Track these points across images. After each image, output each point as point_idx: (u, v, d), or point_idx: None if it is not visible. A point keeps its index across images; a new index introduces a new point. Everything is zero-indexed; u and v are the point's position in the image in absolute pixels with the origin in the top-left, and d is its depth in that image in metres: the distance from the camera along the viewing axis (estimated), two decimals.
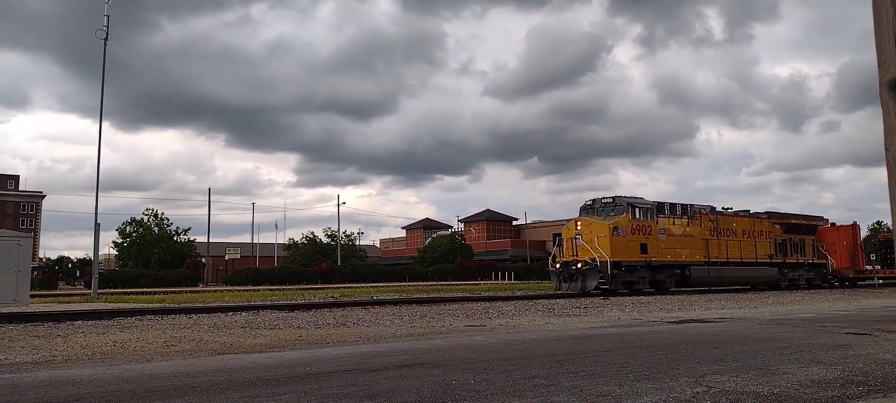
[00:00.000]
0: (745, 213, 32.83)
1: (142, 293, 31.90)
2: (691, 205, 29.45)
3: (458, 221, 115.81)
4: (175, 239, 71.51)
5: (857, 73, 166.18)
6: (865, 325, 11.43)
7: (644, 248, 26.51)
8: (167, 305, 17.91)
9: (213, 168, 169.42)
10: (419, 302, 20.37)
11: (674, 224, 28.22)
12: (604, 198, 27.25)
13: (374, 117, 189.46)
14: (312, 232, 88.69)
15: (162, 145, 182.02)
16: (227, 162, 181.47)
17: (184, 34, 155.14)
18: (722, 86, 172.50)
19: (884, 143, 1.71)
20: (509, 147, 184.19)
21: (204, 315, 15.01)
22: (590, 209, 27.49)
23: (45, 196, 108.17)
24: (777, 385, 5.63)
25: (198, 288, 46.67)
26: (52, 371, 6.86)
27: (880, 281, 37.58)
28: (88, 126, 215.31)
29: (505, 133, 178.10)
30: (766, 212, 34.10)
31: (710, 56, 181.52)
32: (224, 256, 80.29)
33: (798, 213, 36.19)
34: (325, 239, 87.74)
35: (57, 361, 7.65)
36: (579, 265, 25.30)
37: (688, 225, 28.87)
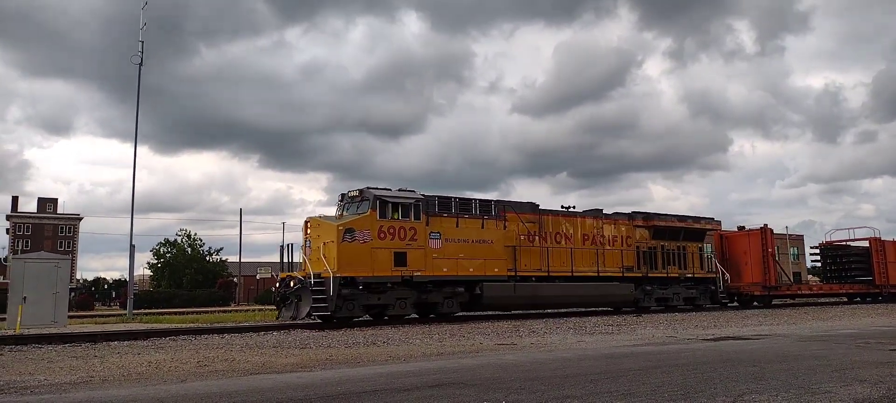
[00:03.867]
0: (595, 213, 24.98)
1: (175, 313, 32.38)
2: (495, 202, 21.69)
3: None
4: (207, 259, 72.63)
5: (893, 82, 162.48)
6: None
7: (401, 259, 18.81)
8: (200, 325, 18.14)
9: (246, 189, 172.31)
10: (449, 320, 20.31)
11: (457, 225, 20.25)
12: (351, 191, 19.81)
13: (404, 136, 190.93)
14: None
15: (198, 167, 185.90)
16: (260, 182, 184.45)
17: (220, 59, 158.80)
18: (754, 98, 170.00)
19: None
20: (538, 163, 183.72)
21: (236, 335, 15.16)
22: (341, 205, 20.20)
23: (82, 218, 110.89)
24: None
25: (229, 308, 47.21)
26: (89, 391, 6.98)
27: (781, 301, 31.46)
28: (128, 150, 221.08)
29: (534, 149, 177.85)
30: (631, 213, 26.13)
31: (742, 69, 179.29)
32: (255, 275, 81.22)
33: (677, 214, 27.75)
34: None
35: (94, 382, 7.79)
36: (291, 283, 18.16)
37: (482, 226, 20.87)
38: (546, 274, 22.06)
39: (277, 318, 18.96)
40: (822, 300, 35.01)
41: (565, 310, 24.16)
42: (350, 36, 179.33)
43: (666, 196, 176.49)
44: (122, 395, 6.58)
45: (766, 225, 30.55)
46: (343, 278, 17.76)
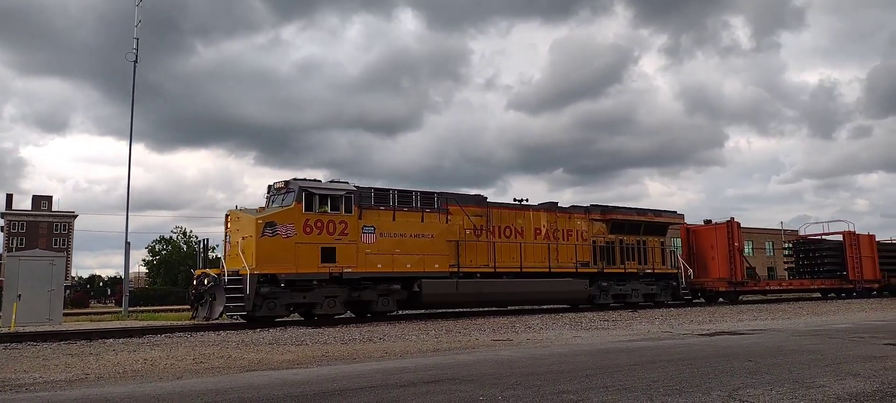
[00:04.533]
0: (549, 206, 23.72)
1: (171, 310, 32.32)
2: (437, 194, 20.46)
3: None
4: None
5: (888, 78, 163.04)
6: None
7: (330, 254, 17.69)
8: (196, 322, 18.11)
9: (242, 186, 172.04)
10: (445, 316, 20.32)
11: (394, 219, 19.11)
12: (277, 182, 18.67)
13: (401, 133, 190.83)
14: None
15: (194, 164, 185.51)
16: (256, 179, 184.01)
17: (217, 57, 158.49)
18: (750, 94, 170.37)
19: None
20: (535, 159, 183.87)
21: (232, 332, 15.14)
22: (268, 197, 19.00)
23: (77, 216, 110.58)
24: (813, 398, 5.49)
25: None
26: (85, 388, 6.97)
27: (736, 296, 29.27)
28: (123, 147, 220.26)
29: (530, 145, 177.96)
30: (589, 206, 24.86)
31: (738, 65, 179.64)
32: None
33: (637, 208, 26.63)
34: None
35: (90, 379, 7.77)
36: (206, 281, 16.97)
37: (422, 220, 19.71)
38: (492, 270, 21.01)
39: (192, 318, 17.70)
40: (789, 295, 34.12)
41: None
42: (346, 33, 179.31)
43: (662, 192, 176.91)
44: (118, 393, 6.57)
45: (732, 218, 29.31)
46: (262, 275, 16.65)
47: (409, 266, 19.20)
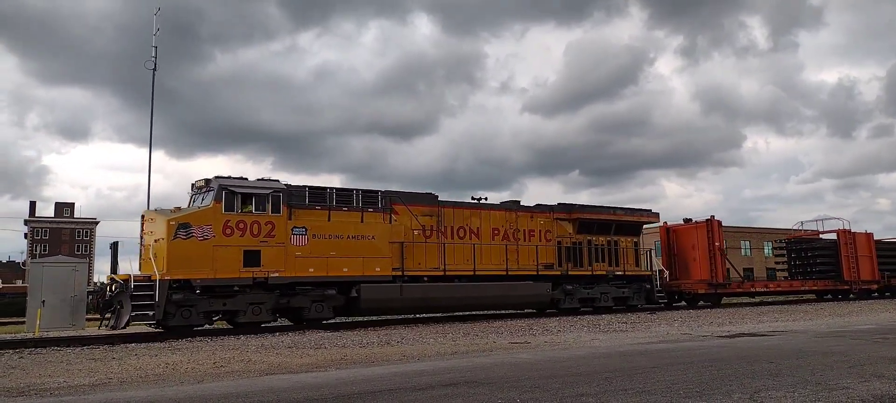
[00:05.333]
0: (510, 205, 22.35)
1: None
2: (382, 193, 19.07)
3: None
4: None
5: None
6: None
7: (254, 258, 16.41)
8: (216, 326, 18.28)
9: None
10: (463, 319, 20.30)
11: (329, 219, 17.70)
12: (198, 181, 17.31)
13: (416, 137, 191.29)
14: None
15: (212, 170, 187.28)
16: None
17: (234, 64, 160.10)
18: (767, 93, 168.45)
19: None
20: (550, 161, 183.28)
21: (252, 336, 15.24)
22: (190, 197, 17.61)
23: (98, 222, 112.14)
24: (836, 400, 5.42)
25: None
26: (107, 393, 7.06)
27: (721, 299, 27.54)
28: (143, 154, 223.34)
29: (545, 148, 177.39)
30: (556, 205, 23.41)
31: (755, 65, 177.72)
32: None
33: (609, 206, 25.05)
34: None
35: (112, 383, 7.88)
36: (113, 287, 15.66)
37: (362, 220, 18.24)
38: (442, 273, 19.54)
39: (100, 327, 16.19)
40: (777, 298, 32.41)
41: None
42: (362, 39, 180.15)
43: (679, 193, 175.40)
44: (140, 396, 6.65)
45: (712, 216, 27.48)
46: (174, 281, 15.32)
47: (346, 269, 17.79)
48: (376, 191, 18.95)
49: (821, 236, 34.65)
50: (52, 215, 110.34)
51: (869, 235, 33.97)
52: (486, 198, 21.73)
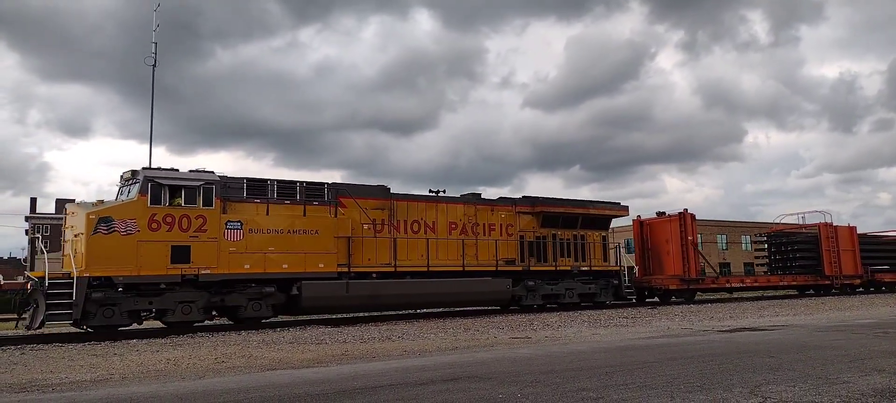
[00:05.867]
0: (469, 198, 21.43)
1: None
2: (329, 185, 18.28)
3: None
4: None
5: None
6: None
7: (183, 254, 15.58)
8: (217, 322, 18.32)
9: None
10: (463, 314, 20.33)
11: (268, 213, 16.89)
12: (126, 172, 16.35)
13: (417, 132, 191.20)
14: None
15: (214, 166, 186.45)
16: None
17: (234, 60, 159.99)
18: (768, 88, 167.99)
19: None
20: (551, 157, 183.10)
21: (253, 331, 15.27)
22: (118, 189, 16.62)
23: None
24: (837, 394, 5.43)
25: None
26: (109, 388, 7.08)
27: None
28: (145, 151, 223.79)
29: (546, 143, 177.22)
30: (520, 198, 22.51)
31: (756, 59, 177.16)
32: None
33: (575, 199, 23.88)
34: None
35: (114, 379, 7.90)
36: (29, 285, 15.03)
37: (304, 214, 17.37)
38: (393, 269, 18.63)
39: (15, 327, 15.76)
40: (755, 294, 31.25)
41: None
42: (362, 34, 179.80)
43: (680, 188, 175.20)
44: (142, 392, 6.67)
45: (685, 210, 26.39)
46: (94, 278, 14.43)
47: (285, 266, 16.87)
48: (322, 184, 18.21)
49: (803, 229, 33.36)
50: (53, 211, 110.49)
51: (852, 228, 32.95)
52: (443, 192, 20.80)
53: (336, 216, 17.96)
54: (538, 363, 8.21)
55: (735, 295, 30.32)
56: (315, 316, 18.92)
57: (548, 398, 5.60)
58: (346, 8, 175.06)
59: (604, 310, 21.28)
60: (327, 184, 18.26)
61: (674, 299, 26.41)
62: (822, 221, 32.15)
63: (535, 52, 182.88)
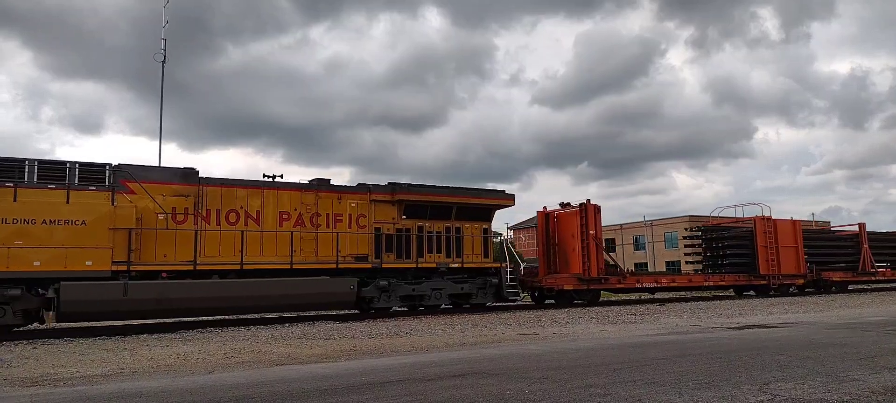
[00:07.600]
0: (314, 184, 18.45)
1: None
2: (115, 167, 15.30)
3: (508, 228, 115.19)
4: None
5: None
6: None
7: None
8: (226, 317, 18.40)
9: None
10: (471, 310, 20.33)
11: (16, 199, 13.93)
12: None
13: (426, 129, 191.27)
14: None
15: (224, 163, 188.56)
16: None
17: (245, 57, 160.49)
18: (779, 84, 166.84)
19: None
20: (559, 153, 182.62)
21: (262, 326, 15.34)
22: None
23: None
24: (847, 392, 5.41)
25: None
26: (120, 383, 7.15)
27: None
28: (156, 147, 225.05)
29: (555, 139, 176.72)
30: (386, 184, 19.66)
31: (766, 56, 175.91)
32: None
33: (449, 186, 20.78)
34: None
35: (125, 374, 7.97)
36: None
37: (68, 200, 14.37)
38: (192, 267, 15.76)
39: None
40: (673, 295, 27.78)
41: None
42: (372, 31, 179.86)
43: (689, 184, 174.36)
44: (152, 386, 6.73)
45: (588, 201, 23.56)
46: None
47: (37, 263, 13.84)
48: (103, 165, 15.18)
49: (736, 224, 30.38)
50: None
51: (795, 223, 30.02)
52: (281, 177, 18.01)
53: (114, 203, 14.91)
54: (546, 359, 8.22)
55: (657, 295, 27.04)
56: (314, 315, 18.92)
57: (556, 394, 5.61)
58: (356, 5, 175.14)
59: (612, 307, 21.23)
60: (110, 165, 15.29)
61: (576, 302, 23.25)
62: (759, 215, 29.30)
63: (545, 49, 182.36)
